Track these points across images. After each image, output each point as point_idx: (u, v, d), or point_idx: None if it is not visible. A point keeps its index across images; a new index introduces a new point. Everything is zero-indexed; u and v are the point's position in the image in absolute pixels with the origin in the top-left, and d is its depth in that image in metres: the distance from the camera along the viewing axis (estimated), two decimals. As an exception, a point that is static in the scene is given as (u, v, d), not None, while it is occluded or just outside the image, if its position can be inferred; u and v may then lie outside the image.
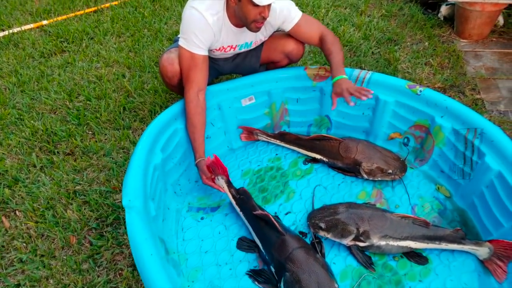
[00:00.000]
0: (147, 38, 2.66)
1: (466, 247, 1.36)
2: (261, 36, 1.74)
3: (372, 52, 2.38)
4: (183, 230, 1.50)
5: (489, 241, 1.34)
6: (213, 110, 1.76)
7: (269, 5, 1.48)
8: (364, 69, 1.78)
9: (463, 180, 1.55)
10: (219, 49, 1.67)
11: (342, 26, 2.59)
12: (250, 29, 1.55)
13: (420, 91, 1.63)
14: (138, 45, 2.60)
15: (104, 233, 1.51)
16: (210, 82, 1.82)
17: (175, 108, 1.64)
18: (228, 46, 1.68)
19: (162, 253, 1.20)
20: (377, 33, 2.55)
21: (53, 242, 1.49)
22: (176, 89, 1.75)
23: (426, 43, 2.45)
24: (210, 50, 1.64)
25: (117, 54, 2.51)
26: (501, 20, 2.56)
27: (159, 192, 1.46)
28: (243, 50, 1.76)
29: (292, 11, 1.66)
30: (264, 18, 1.50)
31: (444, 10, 2.63)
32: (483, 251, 1.35)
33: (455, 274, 1.33)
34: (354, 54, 2.37)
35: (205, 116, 1.60)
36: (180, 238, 1.48)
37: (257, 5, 1.43)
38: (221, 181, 1.58)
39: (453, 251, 1.39)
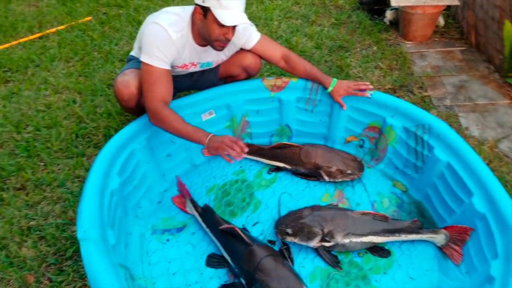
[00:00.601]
0: (97, 61, 2.72)
1: (424, 236, 1.52)
2: (223, 56, 1.87)
3: (325, 60, 2.57)
4: (148, 254, 1.54)
5: (444, 228, 1.51)
6: (172, 127, 1.83)
7: (234, 27, 1.58)
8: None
9: (417, 174, 1.72)
10: (182, 66, 1.75)
11: (295, 37, 2.78)
12: (213, 48, 1.64)
13: (371, 94, 1.81)
14: (88, 68, 2.65)
15: (64, 267, 1.51)
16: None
17: (131, 128, 1.68)
18: (190, 63, 1.77)
19: (124, 282, 1.22)
20: (328, 41, 2.76)
21: (8, 284, 1.47)
22: (134, 111, 1.81)
23: (375, 48, 2.69)
24: (172, 67, 1.70)
25: (66, 80, 2.54)
26: (441, 21, 2.86)
27: (118, 218, 1.49)
28: (204, 68, 1.87)
29: (253, 32, 1.81)
30: (228, 40, 1.60)
31: (389, 15, 2.90)
32: (440, 238, 1.51)
33: (416, 263, 1.48)
34: (308, 63, 2.54)
35: None
36: (146, 262, 1.51)
37: (222, 25, 1.52)
38: (187, 202, 1.67)
39: (413, 241, 1.54)
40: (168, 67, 1.62)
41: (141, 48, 1.62)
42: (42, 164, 1.99)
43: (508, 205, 1.31)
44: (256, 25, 3.02)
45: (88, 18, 3.26)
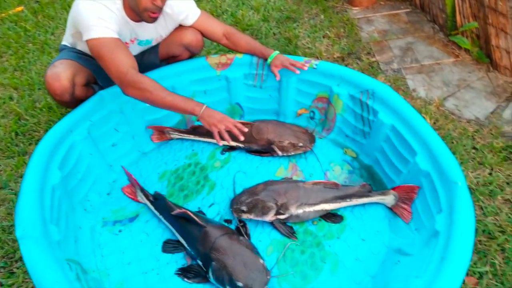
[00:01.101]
0: (33, 53, 2.61)
1: (374, 199, 1.60)
2: (161, 32, 1.83)
3: (273, 33, 2.59)
4: (101, 247, 1.55)
5: (393, 188, 1.59)
6: (115, 114, 1.80)
7: None
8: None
9: (365, 139, 1.79)
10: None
11: (241, 10, 2.77)
12: (145, 20, 1.60)
13: (316, 64, 1.84)
14: (23, 62, 2.54)
15: (14, 269, 1.50)
16: (108, 85, 1.86)
17: (68, 120, 1.65)
18: (130, 40, 1.72)
19: (73, 277, 1.24)
20: (275, 13, 2.77)
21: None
22: (70, 104, 1.75)
23: (322, 16, 2.72)
24: None
25: (0, 76, 2.43)
26: (386, -16, 2.93)
27: (64, 213, 1.49)
28: (144, 47, 1.83)
29: (193, 7, 1.78)
30: (157, 7, 1.55)
31: (333, -19, 2.93)
32: (389, 199, 1.59)
33: (368, 225, 1.56)
34: (256, 37, 2.55)
35: None
36: (98, 255, 1.52)
37: None
38: (138, 191, 1.68)
39: (364, 204, 1.63)
40: (117, 36, 1.53)
41: (80, 28, 1.53)
42: (-19, 168, 1.93)
43: (449, 160, 1.40)
44: (199, 1, 3.00)
45: (20, 8, 3.10)
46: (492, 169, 1.75)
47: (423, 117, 1.59)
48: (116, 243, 1.57)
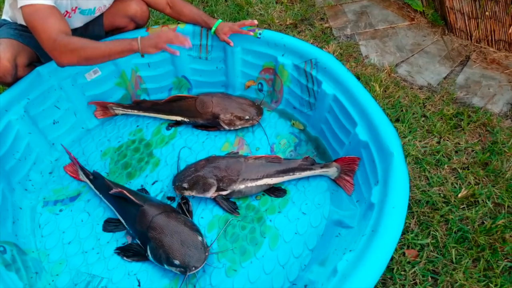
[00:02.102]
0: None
1: (317, 172, 1.56)
2: (104, 1, 1.72)
3: (225, 0, 2.45)
4: (41, 227, 1.51)
5: (335, 160, 1.56)
6: (54, 91, 1.71)
7: None
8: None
9: (311, 111, 1.74)
10: (64, 14, 1.58)
11: (191, -24, 2.60)
12: None
13: (260, 33, 1.75)
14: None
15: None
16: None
17: (2, 99, 1.56)
18: (71, 9, 1.61)
19: (6, 260, 1.21)
20: (227, -22, 2.60)
21: None
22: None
23: (276, -20, 2.57)
24: None
25: None
26: None
27: (1, 194, 1.44)
28: (87, 17, 1.72)
29: None
30: None
31: None
32: (332, 171, 1.56)
33: (309, 198, 1.54)
34: (206, 4, 2.42)
35: None
36: (38, 235, 1.48)
37: None
38: (79, 170, 1.62)
39: (308, 178, 1.59)
40: (53, 3, 1.42)
41: None
42: None
43: (387, 131, 1.35)
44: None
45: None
46: (440, 138, 1.72)
47: (368, 86, 1.54)
48: (56, 223, 1.53)
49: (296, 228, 1.45)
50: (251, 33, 1.72)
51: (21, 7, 1.41)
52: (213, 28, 1.75)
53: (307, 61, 1.66)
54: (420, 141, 1.70)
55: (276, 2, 2.40)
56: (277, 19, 2.27)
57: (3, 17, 1.74)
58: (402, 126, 1.74)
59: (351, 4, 2.35)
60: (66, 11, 1.61)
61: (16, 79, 1.62)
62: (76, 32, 1.79)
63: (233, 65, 1.86)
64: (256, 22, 1.71)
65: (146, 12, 1.84)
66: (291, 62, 1.71)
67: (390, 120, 1.76)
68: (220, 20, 1.75)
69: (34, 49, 1.68)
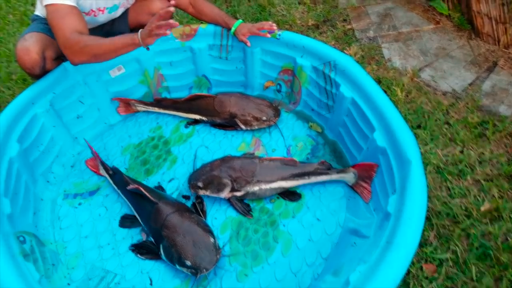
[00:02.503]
0: (12, 25, 2.44)
1: (333, 177, 1.45)
2: None
3: (248, 0, 2.34)
4: (60, 219, 1.47)
5: (353, 166, 1.44)
6: (79, 86, 1.67)
7: None
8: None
9: (329, 113, 1.62)
10: (89, 13, 1.56)
11: (217, -24, 2.50)
12: None
13: (279, 35, 1.64)
14: (3, 34, 2.38)
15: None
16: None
17: (28, 92, 1.53)
18: (97, 9, 1.58)
19: (17, 250, 1.16)
20: (251, -21, 2.49)
21: None
22: (42, 77, 1.62)
23: (300, -19, 2.44)
24: None
25: (-22, 48, 2.29)
26: None
27: (23, 186, 1.41)
28: (112, 14, 1.68)
29: None
30: None
31: None
32: (349, 177, 1.44)
33: (324, 204, 1.43)
34: (229, 4, 2.32)
35: None
36: (57, 227, 1.44)
37: None
38: (100, 164, 1.57)
39: (324, 182, 1.48)
40: (74, 4, 1.41)
41: None
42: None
43: (405, 138, 1.24)
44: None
45: (2, -24, 2.88)
46: (464, 147, 1.56)
47: (389, 90, 1.41)
48: (75, 216, 1.48)
49: (310, 235, 1.34)
50: (269, 35, 1.62)
51: (45, 6, 1.39)
52: (233, 29, 1.66)
53: (326, 63, 1.54)
54: (442, 150, 1.55)
55: (299, 3, 2.28)
56: (298, 20, 2.15)
57: (36, 12, 1.72)
58: (424, 133, 1.59)
59: (374, 6, 2.20)
60: (91, 10, 1.57)
61: (44, 71, 1.59)
62: (102, 29, 1.76)
63: (252, 66, 1.77)
64: (275, 27, 1.61)
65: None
66: (310, 63, 1.60)
67: (411, 126, 1.63)
68: (240, 20, 1.66)
69: None
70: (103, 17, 1.67)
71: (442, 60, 1.90)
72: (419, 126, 1.63)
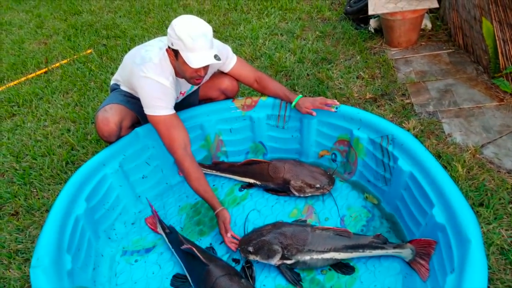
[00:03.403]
0: (93, 91, 2.86)
1: (389, 251, 1.45)
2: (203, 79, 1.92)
3: (307, 74, 2.56)
4: (116, 276, 1.58)
5: (410, 241, 1.44)
6: (147, 149, 1.88)
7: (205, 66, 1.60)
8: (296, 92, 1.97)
9: (387, 186, 1.66)
10: (176, 98, 1.79)
11: (278, 53, 2.79)
12: (191, 83, 1.69)
13: (336, 108, 1.78)
14: (84, 98, 2.79)
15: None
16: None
17: (101, 155, 1.75)
18: (181, 94, 1.85)
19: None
20: (311, 55, 2.74)
21: (-8, 304, 1.56)
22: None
23: (358, 57, 2.63)
24: None
25: (63, 110, 2.68)
26: (428, 24, 2.77)
27: (86, 242, 1.55)
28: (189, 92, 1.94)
29: (229, 55, 1.85)
30: (201, 76, 1.63)
31: (372, 22, 2.85)
32: (406, 253, 1.43)
33: (379, 280, 1.41)
34: (289, 78, 2.55)
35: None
36: (113, 283, 1.55)
37: None
38: (157, 223, 1.71)
39: (379, 257, 1.48)
40: (173, 111, 1.67)
41: (142, 102, 1.65)
42: (35, 191, 2.11)
43: (466, 215, 1.23)
44: (242, 45, 3.09)
45: (89, 50, 3.44)
46: (530, 228, 1.50)
47: (449, 165, 1.43)
48: (130, 273, 1.60)
49: (363, 312, 1.33)
50: (333, 109, 1.75)
51: (148, 115, 1.65)
52: (294, 103, 1.81)
53: (384, 136, 1.62)
54: (506, 230, 1.49)
55: (357, 77, 2.45)
56: (356, 93, 2.30)
57: (114, 82, 1.98)
58: (487, 211, 1.56)
59: (435, 82, 2.29)
60: (180, 92, 1.82)
61: (118, 138, 1.81)
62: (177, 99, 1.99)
63: (308, 135, 1.89)
64: (338, 103, 1.74)
65: (236, 87, 1.99)
66: (366, 136, 1.69)
67: (473, 204, 1.60)
68: (300, 95, 1.81)
69: (138, 114, 1.87)
70: (182, 98, 1.93)
71: (506, 137, 1.89)
72: (481, 204, 1.60)
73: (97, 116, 1.78)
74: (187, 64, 1.52)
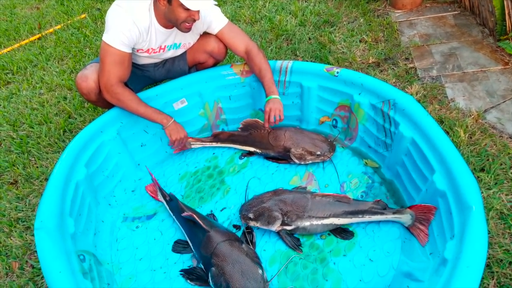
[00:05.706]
0: (88, 57, 2.79)
1: (389, 217, 1.46)
2: (189, 39, 1.85)
3: (309, 38, 2.48)
4: (117, 241, 1.61)
5: (409, 207, 1.44)
6: (145, 118, 1.86)
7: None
8: (297, 59, 1.90)
9: (387, 152, 1.65)
10: (148, 50, 1.75)
11: (278, 16, 2.69)
12: (180, 30, 1.65)
13: (337, 72, 1.73)
14: (79, 65, 2.73)
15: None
16: (140, 90, 1.94)
17: (98, 122, 1.73)
18: (158, 48, 1.77)
19: (78, 268, 1.28)
20: (313, 17, 2.65)
21: (-5, 270, 1.59)
22: (98, 103, 1.84)
23: (362, 20, 2.54)
24: (138, 51, 1.72)
25: (59, 78, 2.63)
26: (434, -16, 2.66)
27: (87, 208, 1.57)
28: (171, 51, 1.86)
29: (218, 17, 1.78)
30: (194, 20, 1.60)
31: (377, -17, 2.73)
32: (406, 218, 1.44)
33: (378, 244, 1.43)
34: (290, 42, 2.48)
35: None
36: (114, 248, 1.58)
37: (187, 9, 1.53)
38: (158, 191, 1.72)
39: (379, 222, 1.49)
40: (128, 50, 1.63)
41: (105, 25, 1.62)
42: (33, 159, 2.10)
43: (467, 182, 1.23)
44: (241, 7, 2.98)
45: (83, 15, 3.33)
46: (531, 192, 1.50)
47: (451, 130, 1.41)
48: (131, 239, 1.62)
49: (361, 275, 1.35)
50: (267, 125, 1.74)
51: (102, 40, 1.60)
52: (267, 98, 1.74)
53: (385, 101, 1.59)
54: (506, 195, 1.50)
55: (360, 41, 2.38)
56: (359, 57, 2.24)
57: None
58: (487, 176, 1.55)
59: (439, 45, 2.23)
60: (152, 48, 1.75)
61: (99, 97, 1.77)
62: (164, 65, 1.95)
63: (309, 101, 1.86)
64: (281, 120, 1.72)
65: (223, 49, 1.91)
66: (368, 101, 1.66)
67: (474, 169, 1.60)
68: (275, 96, 1.72)
69: None
70: (167, 54, 1.85)
71: (509, 102, 1.85)
72: (482, 170, 1.59)
73: (77, 75, 1.76)
74: (182, 7, 1.52)
